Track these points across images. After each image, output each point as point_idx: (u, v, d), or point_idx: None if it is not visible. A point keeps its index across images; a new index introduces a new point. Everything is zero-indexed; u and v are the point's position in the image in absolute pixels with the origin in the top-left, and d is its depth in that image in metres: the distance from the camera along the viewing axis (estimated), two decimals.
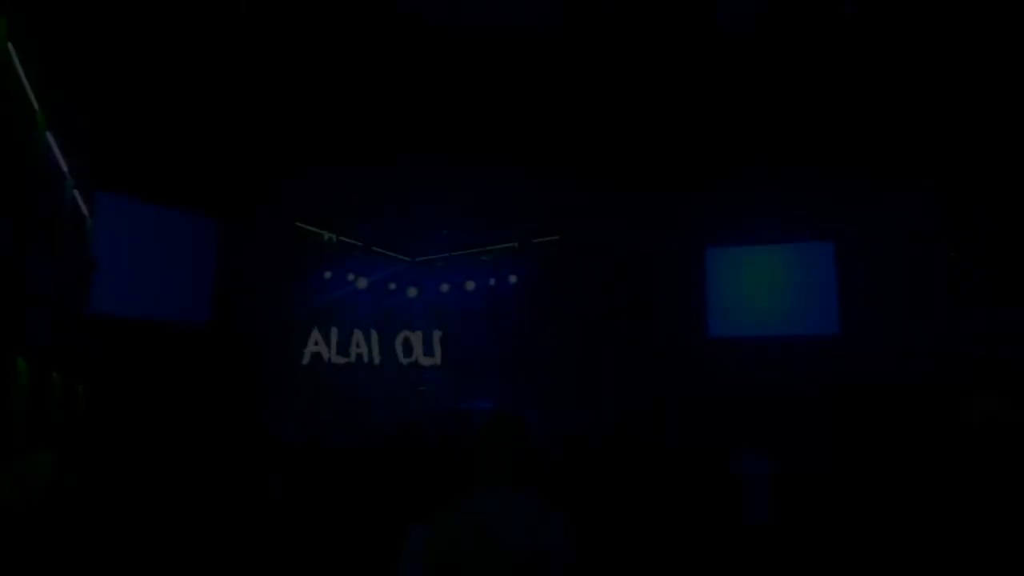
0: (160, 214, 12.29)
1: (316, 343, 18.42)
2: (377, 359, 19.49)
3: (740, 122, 11.41)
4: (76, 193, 9.24)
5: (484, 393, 18.49)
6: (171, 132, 11.29)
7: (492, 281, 18.71)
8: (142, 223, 11.94)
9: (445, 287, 19.21)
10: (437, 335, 20.23)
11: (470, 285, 18.72)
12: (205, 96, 10.49)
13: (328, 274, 17.27)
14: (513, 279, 18.38)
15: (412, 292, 19.25)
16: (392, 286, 19.05)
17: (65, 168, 8.61)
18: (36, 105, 7.34)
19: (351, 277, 17.63)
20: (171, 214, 12.46)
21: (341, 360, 18.85)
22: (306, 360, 18.18)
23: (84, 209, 10.11)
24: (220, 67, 9.56)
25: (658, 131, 12.02)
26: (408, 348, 19.90)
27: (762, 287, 15.63)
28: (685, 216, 15.48)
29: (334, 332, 18.74)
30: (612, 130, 11.88)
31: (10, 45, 6.63)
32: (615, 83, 10.05)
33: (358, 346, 19.20)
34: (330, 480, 8.91)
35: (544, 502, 2.80)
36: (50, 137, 7.85)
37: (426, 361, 20.04)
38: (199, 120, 11.21)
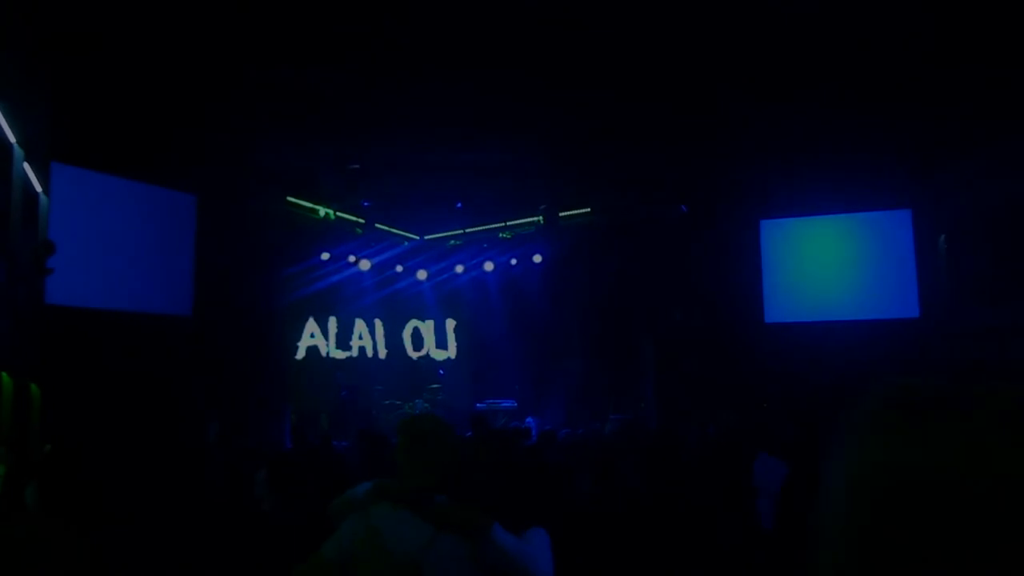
0: (129, 190, 12.11)
1: (312, 335, 18.55)
2: (382, 353, 19.51)
3: (795, 69, 10.80)
4: (27, 167, 9.04)
5: (506, 392, 18.64)
6: (141, 95, 10.89)
7: (514, 261, 18.63)
8: (108, 200, 11.74)
9: (460, 269, 19.15)
10: (451, 324, 20.41)
11: (489, 266, 18.67)
12: (181, 51, 10.02)
13: (325, 256, 17.24)
14: (538, 259, 18.27)
15: (422, 275, 19.18)
16: (399, 268, 19.01)
17: (12, 139, 8.45)
18: None
19: (352, 259, 17.62)
20: (142, 190, 12.31)
21: (341, 354, 18.87)
22: (301, 355, 18.23)
23: (37, 185, 9.87)
24: (197, 15, 9.29)
25: (703, 84, 11.37)
26: (418, 340, 20.05)
27: (826, 265, 15.40)
28: (735, 184, 15.28)
29: (333, 322, 18.81)
30: (651, 81, 11.22)
31: None
32: (656, 28, 9.74)
33: (360, 338, 19.29)
34: (330, 495, 8.82)
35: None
36: None
37: (439, 354, 20.22)
38: (174, 80, 10.76)
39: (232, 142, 12.87)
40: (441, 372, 19.47)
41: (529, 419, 17.00)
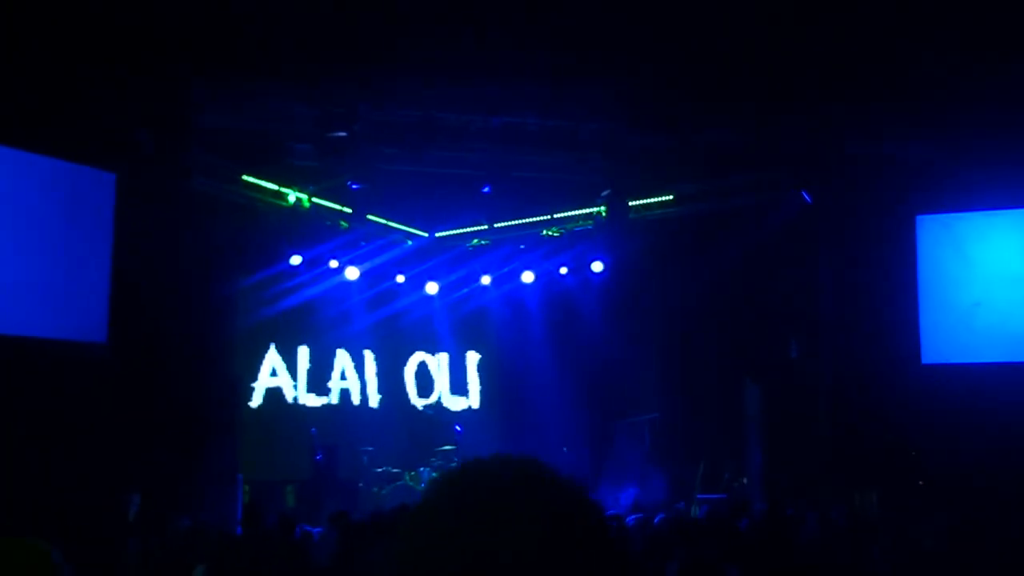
0: (15, 164, 12.31)
1: (275, 373, 18.40)
2: (374, 399, 19.47)
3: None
4: None
5: (550, 457, 17.94)
6: (37, 30, 11.19)
7: (564, 270, 18.78)
8: None
9: (486, 280, 19.18)
10: (472, 359, 20.41)
11: (527, 277, 18.72)
12: None
13: (295, 260, 17.00)
14: (598, 267, 18.21)
15: (432, 288, 19.04)
16: (400, 279, 18.85)
17: None
18: None
19: (333, 264, 17.43)
20: (35, 164, 12.45)
21: (316, 401, 18.84)
22: (258, 400, 18.11)
23: None
24: None
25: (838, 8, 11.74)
26: (426, 381, 19.97)
27: (1014, 280, 15.21)
28: (882, 162, 15.23)
29: (304, 355, 18.70)
30: (763, 7, 11.51)
31: None
32: None
33: (344, 378, 19.19)
34: None
35: None
36: None
37: (455, 403, 20.20)
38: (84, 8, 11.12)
39: (165, 95, 13.07)
40: (458, 428, 18.89)
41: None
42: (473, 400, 20.36)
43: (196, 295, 14.49)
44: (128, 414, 12.87)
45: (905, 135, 14.59)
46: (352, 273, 17.63)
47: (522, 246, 18.67)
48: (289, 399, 18.50)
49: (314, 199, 16.61)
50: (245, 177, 15.70)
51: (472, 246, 19.06)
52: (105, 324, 12.87)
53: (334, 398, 19.01)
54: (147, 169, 13.36)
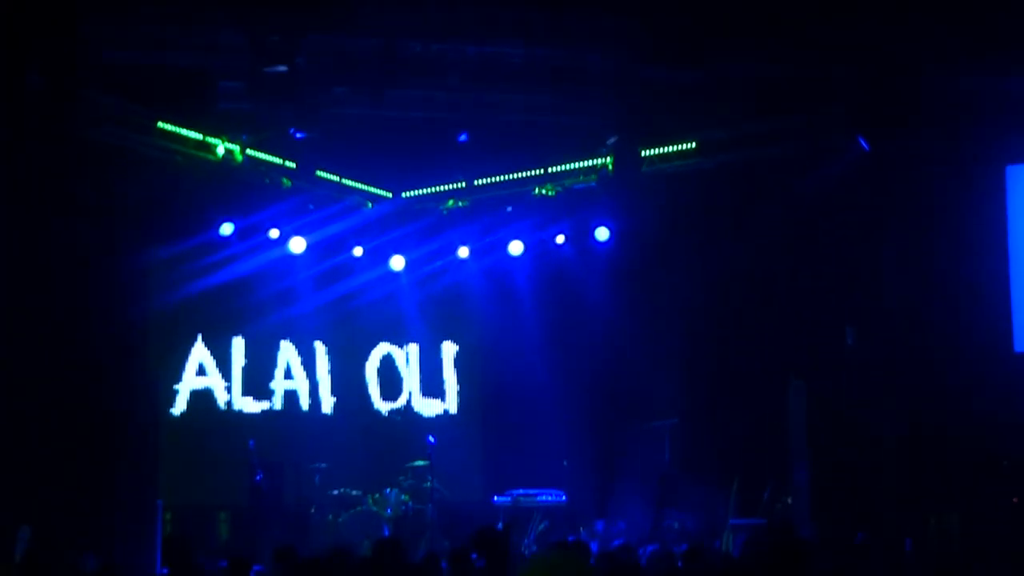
0: None
1: (203, 370, 18.41)
2: (327, 404, 19.56)
3: None
4: None
5: (546, 475, 18.60)
6: None
7: (560, 239, 18.86)
8: None
9: (464, 252, 19.21)
10: (449, 352, 20.57)
11: (515, 248, 18.74)
12: None
13: (226, 228, 16.93)
14: (603, 235, 18.27)
15: (397, 264, 19.10)
16: (357, 252, 18.88)
17: None
18: None
19: (274, 234, 17.41)
20: None
21: (254, 406, 18.85)
22: (181, 406, 18.09)
23: None
24: None
25: None
26: (391, 380, 20.10)
27: None
28: (961, 97, 15.10)
29: (239, 348, 18.76)
30: None
31: None
32: None
33: (289, 377, 19.25)
34: None
35: None
36: None
37: (428, 407, 20.29)
38: None
39: (56, 23, 13.34)
40: (431, 440, 18.70)
41: (595, 524, 17.05)
42: (450, 403, 20.34)
43: (99, 273, 14.40)
44: (12, 425, 12.86)
45: (992, 66, 14.56)
46: (298, 245, 17.58)
47: (509, 209, 18.56)
48: (221, 404, 18.42)
49: (248, 151, 16.48)
50: (161, 125, 15.57)
51: (447, 209, 18.92)
52: None
53: (277, 402, 18.97)
54: (35, 116, 13.29)
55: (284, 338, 19.02)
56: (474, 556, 9.22)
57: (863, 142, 15.86)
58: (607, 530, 16.16)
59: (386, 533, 16.20)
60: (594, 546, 13.50)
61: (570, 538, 14.82)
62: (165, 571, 12.77)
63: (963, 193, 15.60)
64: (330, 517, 17.35)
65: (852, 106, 15.87)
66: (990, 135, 15.45)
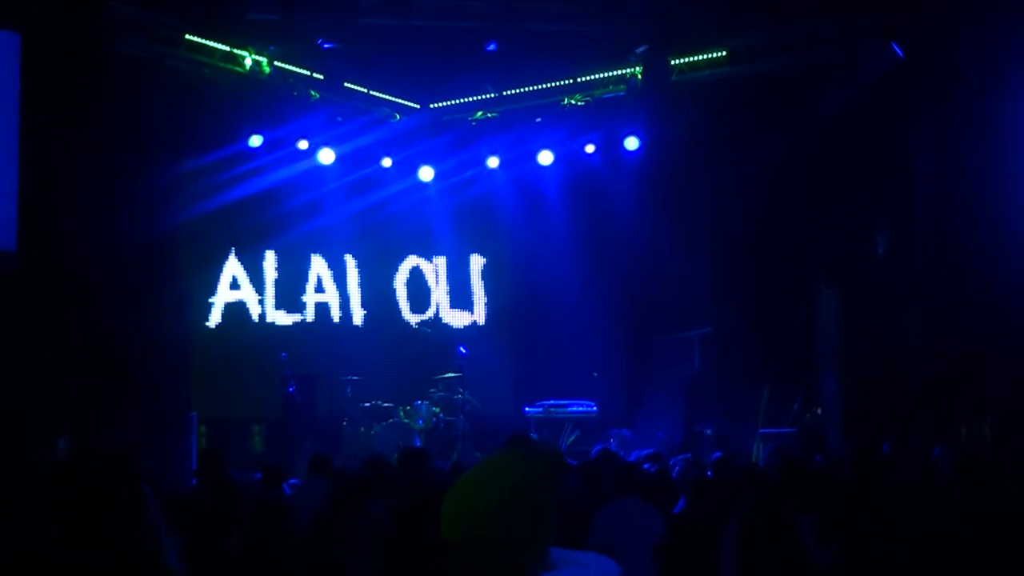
0: None
1: (235, 284, 18.50)
2: (358, 316, 19.66)
3: None
4: None
5: (577, 386, 18.64)
6: None
7: (590, 149, 18.76)
8: None
9: (493, 163, 19.15)
10: (477, 264, 20.62)
11: (545, 158, 18.69)
12: None
13: (255, 141, 16.91)
14: (633, 144, 18.11)
15: (426, 175, 19.08)
16: (386, 163, 18.78)
17: None
18: None
19: (303, 145, 17.34)
20: None
21: (286, 318, 19.00)
22: (215, 319, 18.26)
23: None
24: None
25: None
26: (421, 292, 20.17)
27: None
28: (1003, 3, 14.73)
29: (271, 261, 18.82)
30: None
31: None
32: None
33: (320, 290, 19.34)
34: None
35: None
36: None
37: (457, 319, 20.44)
38: None
39: None
40: (462, 350, 18.91)
41: (620, 432, 16.99)
42: (479, 315, 20.45)
43: (129, 185, 14.39)
44: (48, 340, 12.83)
45: None
46: (327, 156, 17.59)
47: (538, 119, 18.51)
48: (254, 317, 18.60)
49: (276, 63, 16.47)
50: (188, 36, 15.51)
51: (476, 120, 18.87)
52: (13, 227, 12.79)
53: (309, 315, 19.12)
54: (61, 28, 13.19)
55: (315, 252, 19.15)
56: None
57: (897, 48, 15.71)
58: (635, 442, 16.05)
59: (417, 444, 16.27)
60: (625, 455, 13.49)
61: (597, 446, 15.09)
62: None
63: (998, 101, 15.21)
64: (362, 429, 17.51)
65: (885, 10, 15.73)
66: None
